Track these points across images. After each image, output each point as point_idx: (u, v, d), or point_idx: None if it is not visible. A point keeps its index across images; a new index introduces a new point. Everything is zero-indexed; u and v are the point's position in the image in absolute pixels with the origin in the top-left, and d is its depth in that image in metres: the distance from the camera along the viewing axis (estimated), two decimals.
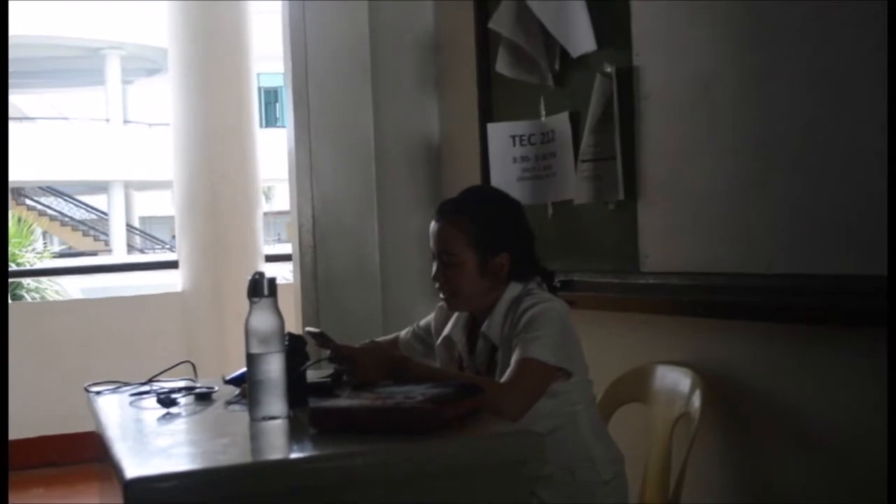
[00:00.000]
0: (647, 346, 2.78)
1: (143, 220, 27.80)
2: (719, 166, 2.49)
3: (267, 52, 6.65)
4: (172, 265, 6.45)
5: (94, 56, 22.66)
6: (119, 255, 22.74)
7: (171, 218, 6.90)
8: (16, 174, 21.42)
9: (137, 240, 26.31)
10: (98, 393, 2.45)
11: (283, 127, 4.02)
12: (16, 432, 5.44)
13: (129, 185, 24.51)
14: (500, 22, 3.20)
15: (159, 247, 25.22)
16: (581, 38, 2.93)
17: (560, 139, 3.08)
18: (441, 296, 2.45)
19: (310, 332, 2.45)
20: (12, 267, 11.46)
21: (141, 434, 2.07)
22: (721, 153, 2.49)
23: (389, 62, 3.84)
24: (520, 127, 3.25)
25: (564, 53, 3.01)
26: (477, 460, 1.87)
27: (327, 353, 2.37)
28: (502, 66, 3.24)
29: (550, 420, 2.27)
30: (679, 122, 2.63)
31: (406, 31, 3.87)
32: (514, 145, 3.26)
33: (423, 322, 2.67)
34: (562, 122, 3.07)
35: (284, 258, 6.35)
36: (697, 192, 2.57)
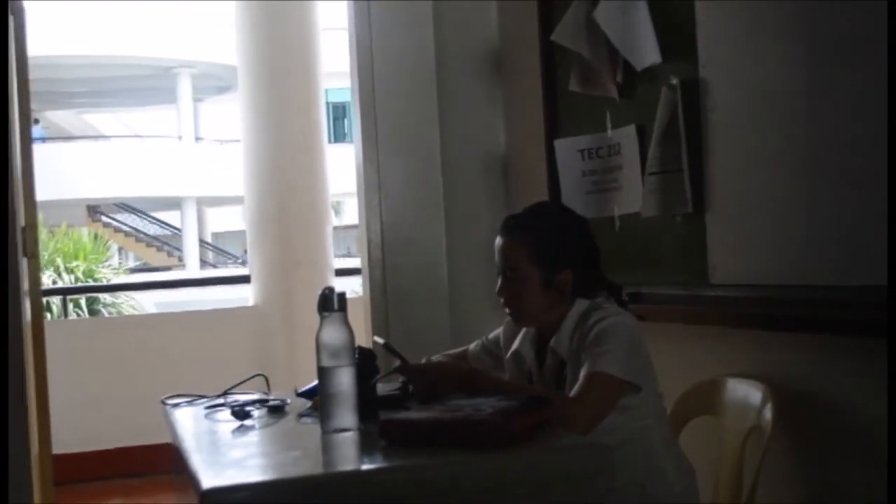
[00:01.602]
0: (717, 358, 2.76)
1: (215, 235, 28.17)
2: (787, 178, 2.48)
3: (334, 69, 6.73)
4: (245, 280, 6.55)
5: (165, 75, 23.06)
6: (192, 270, 23.04)
7: (243, 233, 7.01)
8: (91, 192, 21.94)
9: (210, 255, 26.67)
10: (174, 405, 2.50)
11: (352, 142, 4.07)
12: (94, 444, 5.60)
13: (201, 202, 24.86)
14: (563, 34, 3.21)
15: (231, 262, 25.54)
16: (646, 50, 2.93)
17: (626, 152, 3.08)
18: (505, 311, 2.46)
19: (377, 343, 2.48)
20: (89, 282, 11.73)
21: (216, 446, 2.12)
22: (789, 165, 2.47)
23: (455, 77, 3.88)
24: (587, 141, 3.26)
25: (628, 66, 3.02)
26: (546, 473, 1.88)
27: (396, 363, 2.40)
28: (574, 84, 3.26)
29: (620, 433, 2.27)
30: (746, 133, 2.61)
31: (471, 47, 3.90)
32: (583, 159, 3.27)
33: (491, 335, 2.69)
34: (628, 134, 3.07)
35: (354, 272, 6.41)
36: (766, 204, 2.55)
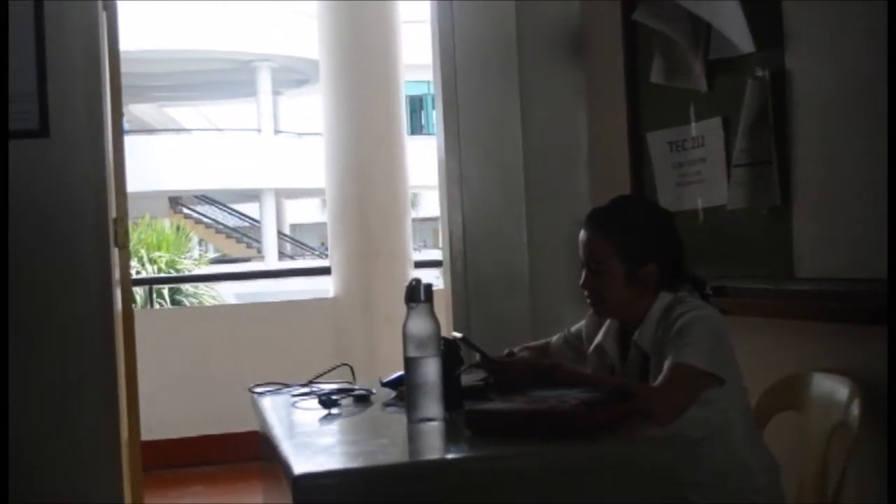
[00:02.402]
0: (802, 353, 2.73)
1: (293, 226, 28.48)
2: (876, 170, 2.44)
3: (409, 62, 6.75)
4: (323, 271, 6.62)
5: (245, 69, 23.35)
6: (271, 262, 23.33)
7: (319, 225, 7.09)
8: (173, 184, 22.32)
9: (288, 247, 26.97)
10: (262, 394, 2.56)
11: (428, 135, 4.10)
12: (175, 431, 5.71)
13: (279, 193, 25.15)
14: (646, 14, 3.20)
15: (308, 253, 25.80)
16: (739, 37, 2.89)
17: (710, 144, 3.06)
18: (589, 303, 2.47)
19: (455, 338, 2.50)
20: (172, 273, 11.95)
21: (304, 433, 2.16)
22: (878, 156, 2.43)
23: (537, 70, 3.88)
24: (674, 133, 3.24)
25: (709, 58, 3.00)
26: (629, 464, 1.89)
27: (476, 356, 2.42)
28: (657, 75, 3.24)
29: (703, 427, 2.26)
30: (834, 125, 2.58)
31: (553, 40, 3.89)
32: (671, 151, 3.26)
33: (574, 328, 2.69)
34: (712, 127, 3.05)
35: (431, 264, 6.47)
36: (854, 196, 2.52)
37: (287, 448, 1.91)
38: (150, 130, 25.72)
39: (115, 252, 3.56)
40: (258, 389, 2.59)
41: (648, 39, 3.27)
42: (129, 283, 3.65)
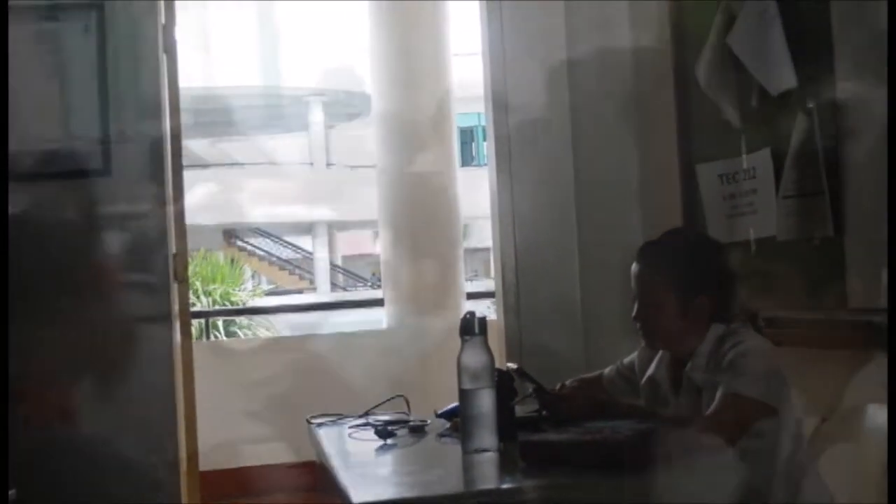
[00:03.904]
0: (857, 384, 2.72)
1: (344, 258, 28.63)
2: None
3: (461, 94, 6.80)
4: (375, 303, 6.66)
5: (298, 103, 23.62)
6: (323, 293, 23.46)
7: (371, 256, 7.14)
8: (228, 217, 22.58)
9: (340, 278, 27.09)
10: (319, 425, 2.60)
11: (478, 166, 4.14)
12: (231, 461, 5.75)
13: (332, 226, 25.31)
14: (699, 71, 3.24)
15: (360, 284, 25.89)
16: (782, 74, 2.91)
17: (761, 176, 3.07)
18: (641, 335, 2.49)
19: (511, 369, 2.53)
20: (226, 305, 12.08)
21: (362, 463, 2.20)
22: None
23: (588, 103, 3.90)
24: (725, 165, 3.26)
25: (763, 89, 3.02)
26: (682, 494, 1.90)
27: (530, 387, 2.44)
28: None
29: (757, 458, 2.26)
30: (886, 156, 2.58)
31: (605, 73, 3.92)
32: (722, 184, 3.27)
33: (626, 360, 2.71)
34: (763, 158, 3.05)
35: (483, 295, 6.47)
36: None
37: (345, 478, 1.95)
38: (205, 165, 26.03)
39: (175, 286, 3.64)
40: (315, 420, 2.63)
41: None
42: (188, 316, 3.72)
